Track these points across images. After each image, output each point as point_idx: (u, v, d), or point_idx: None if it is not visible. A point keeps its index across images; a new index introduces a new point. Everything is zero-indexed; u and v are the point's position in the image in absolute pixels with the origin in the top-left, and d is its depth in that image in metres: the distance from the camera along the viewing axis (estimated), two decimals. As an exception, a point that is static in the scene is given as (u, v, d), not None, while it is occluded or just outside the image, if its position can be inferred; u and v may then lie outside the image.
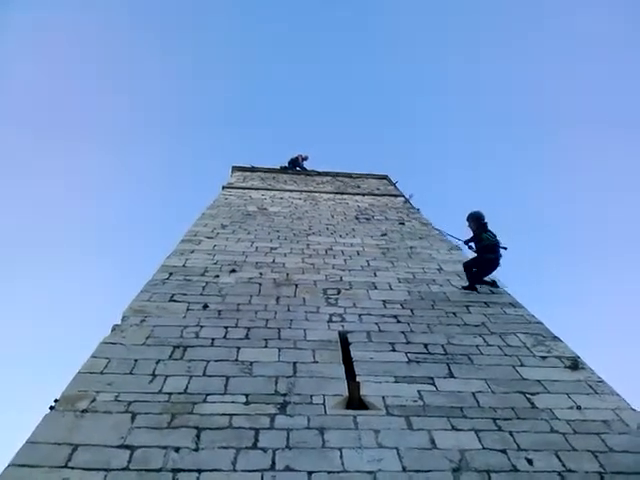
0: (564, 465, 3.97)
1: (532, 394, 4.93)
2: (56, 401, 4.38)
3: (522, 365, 5.46)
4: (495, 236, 7.76)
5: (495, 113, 45.63)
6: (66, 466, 3.65)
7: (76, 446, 3.84)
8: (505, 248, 7.75)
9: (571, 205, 37.20)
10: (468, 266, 7.79)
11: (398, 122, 47.89)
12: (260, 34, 47.21)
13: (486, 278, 7.81)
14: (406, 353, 5.56)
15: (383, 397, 4.71)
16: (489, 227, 7.90)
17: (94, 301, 31.12)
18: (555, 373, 5.36)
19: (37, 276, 32.79)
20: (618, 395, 5.03)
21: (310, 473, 3.72)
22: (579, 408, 4.74)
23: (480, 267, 7.74)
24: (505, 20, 40.44)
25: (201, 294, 6.85)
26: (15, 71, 35.24)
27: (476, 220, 8.04)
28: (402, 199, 14.43)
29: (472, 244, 8.04)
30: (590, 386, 5.14)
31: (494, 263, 7.70)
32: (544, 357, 5.67)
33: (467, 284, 7.68)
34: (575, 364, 5.50)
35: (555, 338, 6.14)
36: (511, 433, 4.32)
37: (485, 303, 7.08)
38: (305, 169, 17.84)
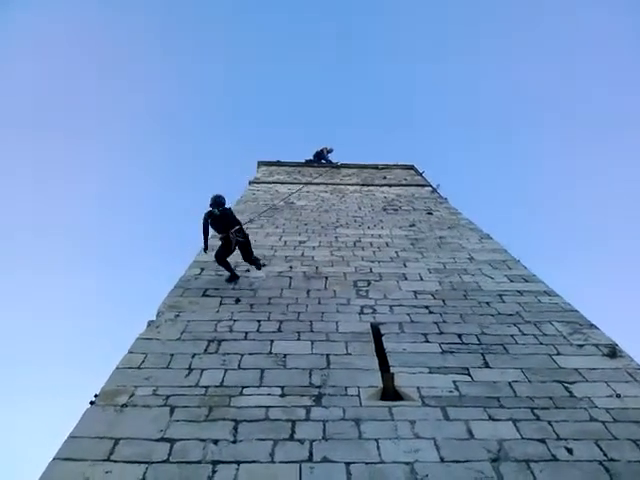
0: (605, 454, 3.90)
1: (570, 383, 4.85)
2: (96, 396, 4.47)
3: (559, 354, 5.38)
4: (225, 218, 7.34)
5: (524, 105, 44.94)
6: (108, 459, 3.74)
7: (117, 440, 3.92)
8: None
9: (602, 192, 36.42)
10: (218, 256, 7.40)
11: (424, 114, 47.49)
12: (278, 30, 47.33)
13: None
14: (440, 344, 5.53)
15: (418, 388, 4.70)
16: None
17: (130, 297, 31.60)
18: (593, 361, 5.27)
19: (74, 274, 33.43)
20: (659, 382, 4.92)
21: (348, 464, 3.73)
22: (619, 396, 4.66)
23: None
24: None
25: (233, 288, 6.92)
26: (16, 71, 35.87)
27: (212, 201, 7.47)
28: (429, 189, 14.31)
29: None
30: (629, 374, 5.04)
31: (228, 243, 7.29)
32: (581, 345, 5.58)
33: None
34: (613, 352, 5.39)
35: (592, 326, 6.03)
36: (550, 422, 4.26)
37: (519, 292, 6.99)
38: (330, 162, 17.81)
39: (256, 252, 8.35)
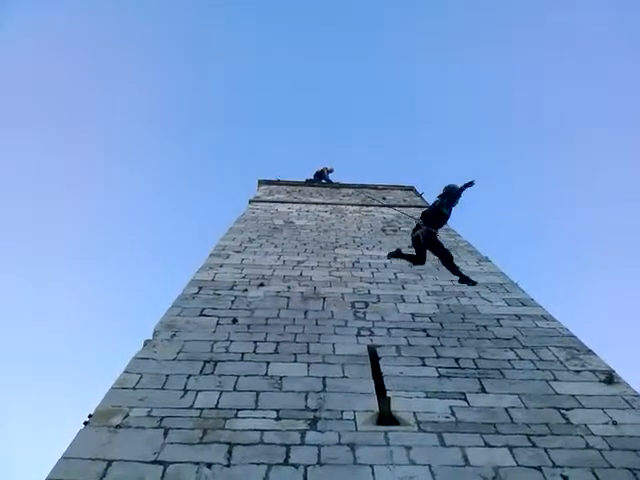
0: (601, 483, 3.88)
1: (566, 409, 4.83)
2: (90, 416, 4.45)
3: (556, 380, 5.37)
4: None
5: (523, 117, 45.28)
6: (101, 482, 3.70)
7: (110, 462, 3.89)
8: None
9: (604, 212, 36.51)
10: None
11: (425, 132, 47.86)
12: (279, 45, 47.87)
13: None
14: (437, 368, 5.51)
15: (414, 413, 4.67)
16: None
17: (126, 316, 31.60)
18: (590, 388, 5.25)
19: (69, 293, 33.41)
20: (656, 410, 4.90)
21: (342, 490, 3.70)
22: (615, 423, 4.63)
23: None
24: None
25: (230, 308, 6.90)
26: (16, 71, 36.17)
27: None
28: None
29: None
30: (626, 401, 5.02)
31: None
32: (578, 371, 5.56)
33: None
34: (610, 378, 5.38)
35: (589, 352, 6.02)
36: (546, 449, 4.23)
37: (516, 316, 6.99)
38: (331, 181, 17.90)
39: (255, 271, 8.38)
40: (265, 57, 48.25)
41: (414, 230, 7.54)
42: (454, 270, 7.41)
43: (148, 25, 42.95)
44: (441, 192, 7.43)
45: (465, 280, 7.36)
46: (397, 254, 7.69)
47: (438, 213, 7.34)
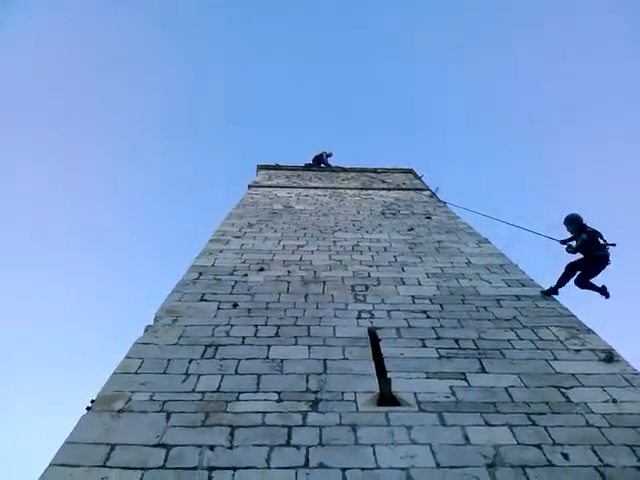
0: (601, 459, 3.90)
1: (566, 388, 4.86)
2: (93, 401, 4.47)
3: (555, 359, 5.39)
4: (596, 235, 7.05)
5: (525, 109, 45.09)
6: (104, 465, 3.74)
7: (113, 446, 3.92)
8: (613, 244, 6.98)
9: (605, 192, 36.48)
10: (571, 266, 7.24)
11: (421, 116, 47.62)
12: (281, 35, 47.50)
13: (594, 282, 7.17)
14: (437, 349, 5.53)
15: (415, 393, 4.70)
16: (589, 226, 7.17)
17: (127, 302, 31.67)
18: (589, 366, 5.27)
19: (72, 278, 33.46)
20: (655, 388, 4.92)
21: (344, 470, 3.73)
22: (615, 401, 4.66)
23: (586, 268, 7.14)
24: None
25: (231, 293, 6.91)
26: (16, 72, 35.99)
27: (573, 222, 7.34)
28: (428, 193, 14.32)
29: (572, 244, 7.31)
30: (626, 379, 5.05)
31: (602, 261, 7.00)
32: (578, 350, 5.58)
33: (549, 288, 7.26)
34: (610, 357, 5.40)
35: (589, 331, 6.04)
36: (546, 428, 4.27)
37: (516, 296, 7.00)
38: (330, 166, 17.83)
39: (255, 256, 8.38)
40: (265, 56, 48.04)
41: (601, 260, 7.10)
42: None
43: (148, 25, 42.66)
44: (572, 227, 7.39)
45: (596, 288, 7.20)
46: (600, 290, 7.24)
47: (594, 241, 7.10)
